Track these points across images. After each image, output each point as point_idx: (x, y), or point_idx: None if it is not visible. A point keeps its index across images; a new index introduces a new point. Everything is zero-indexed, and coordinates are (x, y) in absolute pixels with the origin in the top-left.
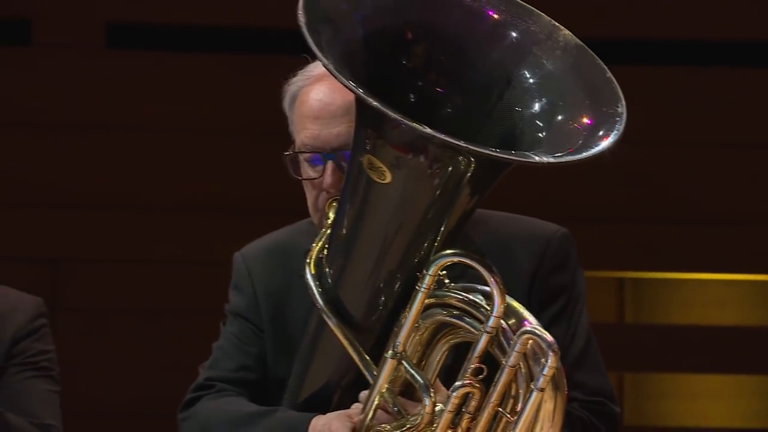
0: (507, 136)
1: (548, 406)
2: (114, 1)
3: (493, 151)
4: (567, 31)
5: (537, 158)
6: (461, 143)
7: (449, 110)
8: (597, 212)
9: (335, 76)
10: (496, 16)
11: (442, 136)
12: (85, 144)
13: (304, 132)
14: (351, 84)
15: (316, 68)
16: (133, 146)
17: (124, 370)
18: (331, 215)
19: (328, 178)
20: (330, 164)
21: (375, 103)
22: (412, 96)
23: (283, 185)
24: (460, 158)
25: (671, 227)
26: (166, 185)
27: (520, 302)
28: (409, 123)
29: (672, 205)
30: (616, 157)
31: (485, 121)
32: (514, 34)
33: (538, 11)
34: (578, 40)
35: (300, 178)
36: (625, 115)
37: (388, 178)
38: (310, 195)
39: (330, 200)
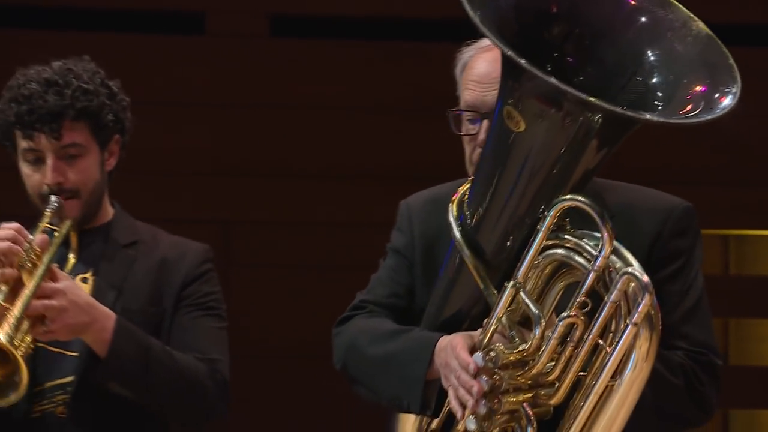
0: (631, 105)
1: (642, 342)
2: None
3: (620, 108)
4: (702, 24)
5: (656, 118)
6: (592, 99)
7: (581, 79)
8: (705, 176)
9: (486, 35)
10: (634, 2)
11: (576, 92)
12: (252, 120)
13: (467, 93)
14: (500, 44)
15: (484, 42)
16: (292, 122)
17: (285, 317)
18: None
19: (482, 134)
20: (485, 123)
21: (521, 61)
22: (549, 66)
23: (422, 155)
24: (590, 114)
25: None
26: (320, 156)
27: (640, 261)
28: (548, 78)
29: None
30: (723, 126)
31: (613, 91)
32: (650, 19)
33: (677, 3)
34: (710, 31)
35: (460, 133)
36: (738, 94)
37: (522, 127)
38: (467, 149)
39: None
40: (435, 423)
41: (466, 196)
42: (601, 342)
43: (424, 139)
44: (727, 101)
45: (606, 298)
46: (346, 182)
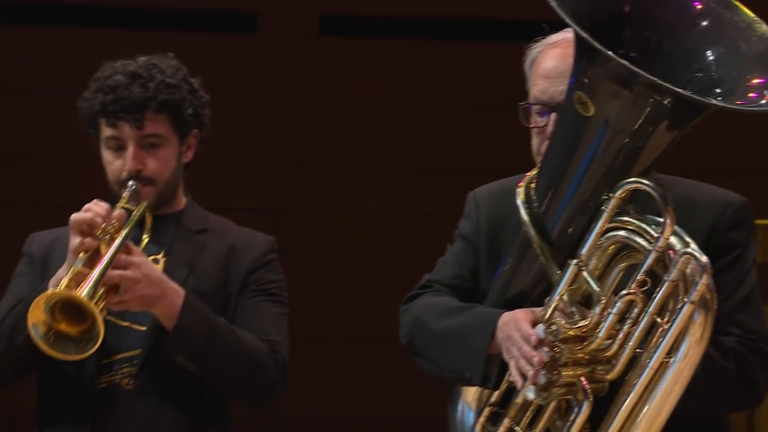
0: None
1: (698, 322)
2: None
3: (687, 92)
4: (766, 26)
5: (721, 103)
6: (663, 82)
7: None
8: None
9: (564, 19)
10: (700, 5)
11: (648, 75)
12: (300, 116)
13: (536, 87)
14: (578, 27)
15: (551, 38)
16: (338, 117)
17: (337, 302)
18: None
19: (550, 126)
20: (553, 115)
21: (596, 44)
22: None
23: (462, 149)
24: (658, 98)
25: None
26: (368, 150)
27: None
28: (621, 60)
29: None
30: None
31: (677, 85)
32: (715, 21)
33: (743, 6)
34: None
35: (528, 126)
36: None
37: (592, 111)
38: (535, 142)
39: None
40: (495, 396)
41: (533, 182)
42: (658, 320)
43: (464, 133)
44: None
45: (665, 277)
46: (390, 174)
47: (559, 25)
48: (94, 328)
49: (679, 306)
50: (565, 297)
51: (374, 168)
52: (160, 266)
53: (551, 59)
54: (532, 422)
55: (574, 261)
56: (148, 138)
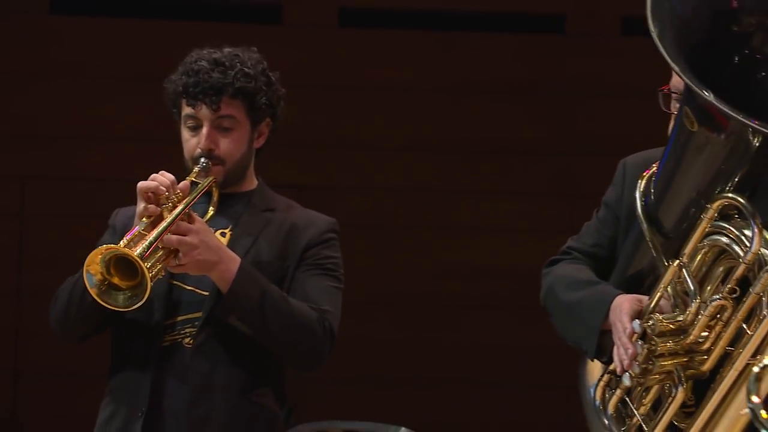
0: None
1: None
2: None
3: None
4: None
5: None
6: (755, 123)
7: (751, 93)
8: None
9: (665, 56)
10: None
11: (740, 116)
12: (321, 100)
13: (675, 77)
14: (678, 69)
15: None
16: (356, 102)
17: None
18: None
19: (672, 131)
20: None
21: (697, 89)
22: (722, 75)
23: (476, 132)
24: (750, 134)
25: None
26: (385, 131)
27: None
28: (717, 102)
29: None
30: None
31: None
32: None
33: None
34: None
35: (668, 111)
36: None
37: (696, 127)
38: (673, 126)
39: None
40: (613, 365)
41: (654, 176)
42: (744, 326)
43: (473, 117)
44: None
45: (750, 289)
46: (406, 153)
47: (572, 20)
48: (142, 284)
49: (761, 317)
50: (669, 290)
51: (390, 148)
52: (226, 239)
53: None
54: (643, 394)
55: (676, 261)
56: (222, 120)
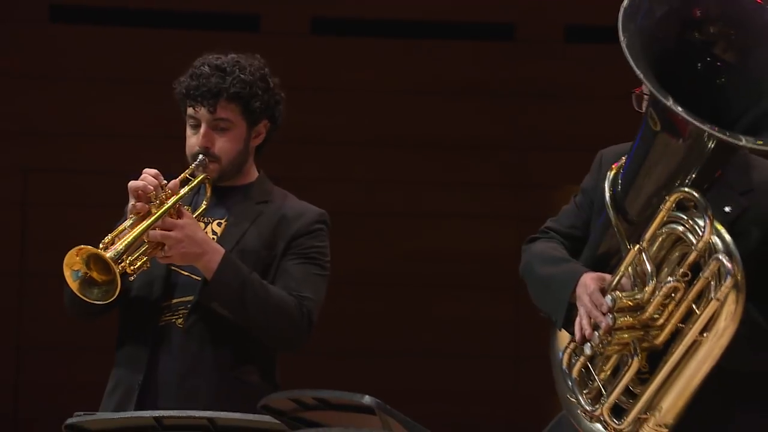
0: (748, 128)
1: (728, 308)
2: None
3: (727, 136)
4: None
5: (756, 146)
6: (710, 129)
7: (709, 98)
8: None
9: (631, 63)
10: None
11: (698, 122)
12: (295, 100)
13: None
14: (642, 76)
15: None
16: (328, 103)
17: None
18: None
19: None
20: None
21: (656, 94)
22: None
23: (433, 128)
24: (706, 139)
25: None
26: (351, 128)
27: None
28: (676, 108)
29: None
30: None
31: (733, 114)
32: None
33: None
34: None
35: (640, 111)
36: None
37: (659, 127)
38: None
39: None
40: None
41: (622, 169)
42: (694, 306)
43: (432, 115)
44: None
45: (700, 274)
46: (369, 148)
47: (529, 29)
48: (114, 281)
49: (711, 298)
50: (630, 270)
51: (356, 143)
52: (222, 228)
53: None
54: (604, 362)
55: (637, 246)
56: (218, 121)
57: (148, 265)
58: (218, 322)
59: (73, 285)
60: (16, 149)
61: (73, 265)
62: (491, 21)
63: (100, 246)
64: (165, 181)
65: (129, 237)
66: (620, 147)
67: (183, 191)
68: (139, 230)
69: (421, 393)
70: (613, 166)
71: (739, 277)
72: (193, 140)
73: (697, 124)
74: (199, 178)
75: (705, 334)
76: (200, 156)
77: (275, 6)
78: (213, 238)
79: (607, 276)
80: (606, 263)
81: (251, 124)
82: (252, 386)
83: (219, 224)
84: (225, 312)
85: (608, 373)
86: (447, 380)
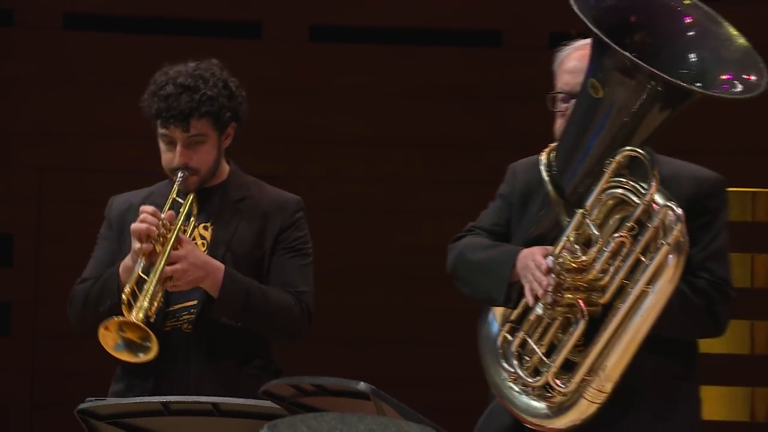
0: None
1: (672, 264)
2: (316, 7)
3: (676, 79)
4: (743, 39)
5: (703, 90)
6: (658, 71)
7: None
8: None
9: (585, 22)
10: (691, 19)
11: (646, 65)
12: (293, 102)
13: (561, 80)
14: (595, 28)
15: (575, 44)
16: (326, 105)
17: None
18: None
19: (570, 110)
20: (574, 101)
21: (611, 42)
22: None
23: (425, 129)
24: (653, 84)
25: None
26: (349, 128)
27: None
28: (626, 54)
29: None
30: None
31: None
32: (703, 31)
33: (727, 23)
34: (749, 45)
35: (554, 110)
36: (765, 86)
37: (601, 94)
38: (558, 123)
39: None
40: (514, 315)
41: (554, 152)
42: (642, 258)
43: (424, 117)
44: (757, 90)
45: (648, 224)
46: (367, 148)
47: (515, 36)
48: (149, 335)
49: (658, 247)
50: (571, 238)
51: (354, 143)
52: (209, 233)
53: (574, 59)
54: (541, 336)
55: (581, 211)
56: (193, 137)
57: (162, 301)
58: (224, 325)
59: (127, 357)
60: (32, 149)
61: (110, 342)
62: (480, 28)
63: (123, 297)
64: (163, 216)
65: (149, 291)
66: (529, 158)
67: (179, 221)
68: (156, 279)
69: (413, 379)
70: (545, 150)
71: (683, 228)
72: (169, 156)
73: (650, 68)
74: (190, 199)
75: (650, 286)
76: (179, 172)
77: (276, 14)
78: (202, 243)
79: (549, 247)
80: (542, 241)
81: (221, 131)
82: (258, 379)
83: (205, 228)
84: (233, 323)
85: (545, 348)
86: (438, 367)
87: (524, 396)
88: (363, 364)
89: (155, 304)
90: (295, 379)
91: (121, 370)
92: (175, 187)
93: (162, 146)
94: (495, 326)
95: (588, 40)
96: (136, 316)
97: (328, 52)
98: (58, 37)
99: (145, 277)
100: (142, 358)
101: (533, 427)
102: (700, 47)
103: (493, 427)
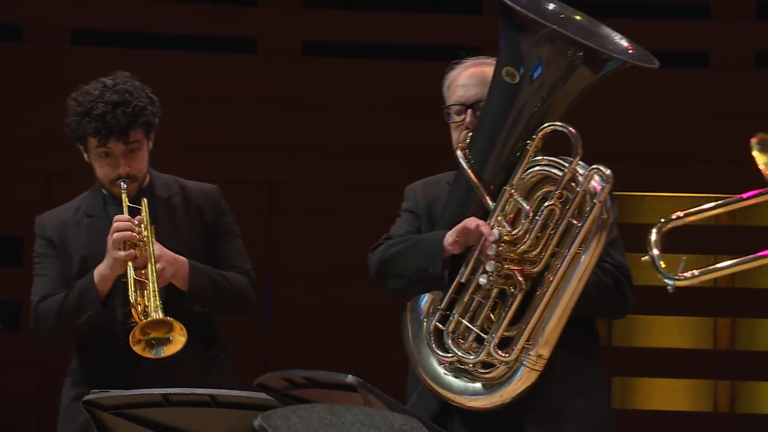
0: None
1: (598, 237)
2: (309, 25)
3: (594, 44)
4: (619, 36)
5: (621, 57)
6: (576, 37)
7: None
8: None
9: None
10: (578, 17)
11: (567, 33)
12: (287, 112)
13: (455, 94)
14: (513, 3)
15: (464, 63)
16: (318, 116)
17: (317, 250)
18: (470, 135)
19: (468, 118)
20: (470, 111)
21: (532, 16)
22: None
23: (407, 139)
24: (572, 51)
25: None
26: (339, 137)
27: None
28: (546, 23)
29: None
30: None
31: None
32: (588, 27)
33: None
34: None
35: (450, 121)
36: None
37: (517, 78)
38: (454, 135)
39: (467, 132)
40: (444, 303)
41: (468, 142)
42: (574, 221)
43: (410, 127)
44: (654, 61)
45: (578, 188)
46: (357, 156)
47: (494, 51)
48: (174, 325)
49: (588, 208)
50: (500, 218)
51: (344, 151)
52: (153, 229)
53: (465, 75)
54: (474, 317)
55: (508, 187)
56: (131, 145)
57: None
58: (183, 316)
59: (168, 351)
60: (40, 156)
61: (145, 347)
62: (460, 45)
63: (134, 303)
64: (135, 221)
65: (155, 289)
66: (424, 179)
67: (148, 223)
68: (154, 278)
69: (398, 373)
70: (458, 146)
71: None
72: (107, 169)
73: (570, 34)
74: (145, 203)
75: (582, 247)
76: (121, 182)
77: (270, 31)
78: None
79: (480, 220)
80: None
81: (149, 137)
82: (220, 360)
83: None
84: (203, 310)
85: (479, 328)
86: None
87: (460, 380)
88: (351, 358)
89: (158, 301)
90: (288, 372)
91: (74, 373)
92: (124, 195)
93: (98, 162)
94: (423, 318)
95: (476, 59)
96: (158, 315)
97: (320, 66)
98: (65, 51)
99: (143, 279)
100: (179, 345)
101: (475, 408)
102: (593, 36)
103: (422, 408)
